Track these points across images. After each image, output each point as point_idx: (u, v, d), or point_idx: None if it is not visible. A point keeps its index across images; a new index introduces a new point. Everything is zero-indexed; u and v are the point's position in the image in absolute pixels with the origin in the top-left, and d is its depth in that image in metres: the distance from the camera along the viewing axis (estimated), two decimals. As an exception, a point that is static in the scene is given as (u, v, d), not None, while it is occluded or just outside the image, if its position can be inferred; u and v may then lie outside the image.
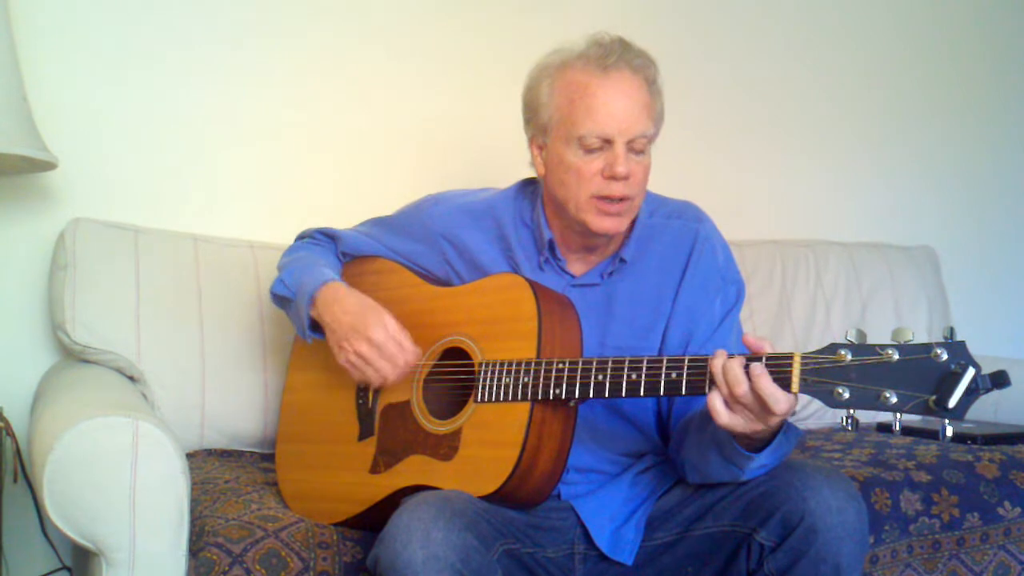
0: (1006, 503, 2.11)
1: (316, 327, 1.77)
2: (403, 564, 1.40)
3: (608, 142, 1.61)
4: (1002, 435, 2.36)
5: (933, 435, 2.36)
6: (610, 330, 1.71)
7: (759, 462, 1.51)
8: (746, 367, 1.40)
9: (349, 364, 1.70)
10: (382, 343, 1.66)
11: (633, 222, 1.73)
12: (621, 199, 1.63)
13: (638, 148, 1.63)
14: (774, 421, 1.41)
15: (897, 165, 3.21)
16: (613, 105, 1.61)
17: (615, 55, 1.62)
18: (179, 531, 1.61)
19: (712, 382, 1.43)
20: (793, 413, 1.44)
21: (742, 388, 1.39)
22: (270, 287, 1.84)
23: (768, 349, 1.41)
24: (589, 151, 1.62)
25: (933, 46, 3.25)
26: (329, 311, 1.72)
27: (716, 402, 1.42)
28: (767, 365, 1.39)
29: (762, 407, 1.39)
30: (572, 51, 1.66)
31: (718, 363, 1.42)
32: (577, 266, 1.74)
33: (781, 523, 1.50)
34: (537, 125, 1.70)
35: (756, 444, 1.48)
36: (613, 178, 1.61)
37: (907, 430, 2.42)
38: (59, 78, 2.30)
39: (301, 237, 1.97)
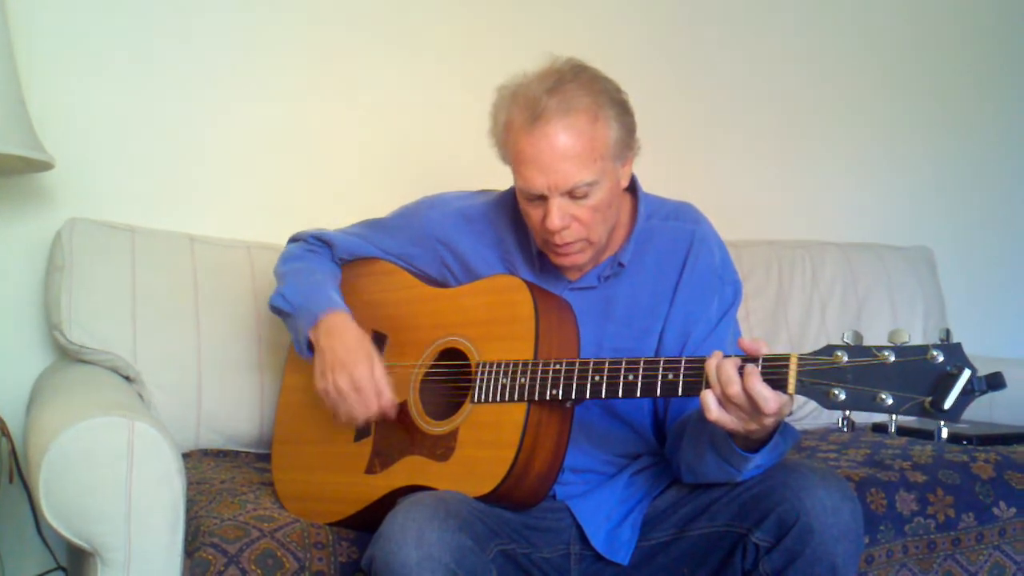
0: (1001, 503, 2.11)
1: (311, 346, 1.77)
2: (398, 564, 1.40)
3: (542, 196, 1.61)
4: (997, 435, 2.36)
5: (928, 435, 2.36)
6: (608, 332, 1.71)
7: (755, 462, 1.51)
8: (740, 368, 1.40)
9: (325, 393, 1.70)
10: (363, 385, 1.66)
11: (632, 224, 1.73)
12: (566, 244, 1.64)
13: (579, 195, 1.60)
14: (768, 421, 1.41)
15: (893, 165, 3.22)
16: (540, 162, 1.59)
17: (542, 103, 1.58)
18: (175, 531, 1.60)
19: (707, 381, 1.43)
20: (790, 413, 1.44)
21: (734, 388, 1.39)
22: (270, 299, 1.84)
23: (764, 350, 1.41)
24: (530, 200, 1.64)
25: (930, 48, 3.26)
26: (327, 338, 1.72)
27: (708, 399, 1.42)
28: (763, 366, 1.39)
29: (753, 407, 1.39)
30: (513, 92, 1.64)
31: (712, 362, 1.42)
32: (573, 271, 1.74)
33: (776, 523, 1.50)
34: (502, 156, 1.70)
35: (752, 444, 1.48)
36: (550, 231, 1.62)
37: (902, 430, 2.42)
38: (56, 78, 2.30)
39: (294, 240, 1.96)
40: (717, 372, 1.41)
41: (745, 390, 1.38)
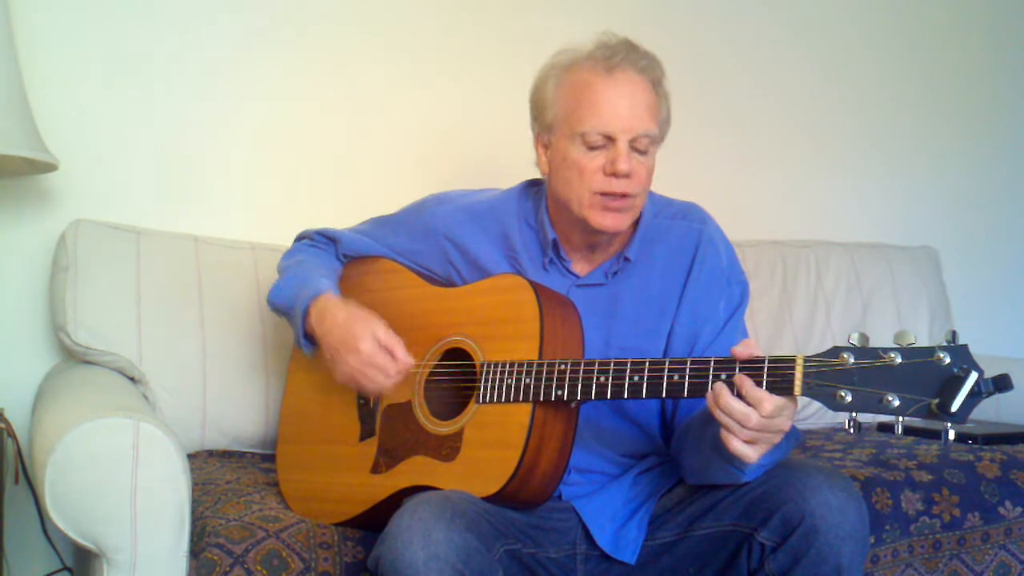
0: (1007, 503, 2.11)
1: (314, 340, 1.77)
2: (404, 564, 1.40)
3: (611, 139, 1.62)
4: (1003, 435, 2.36)
5: (934, 435, 2.36)
6: (614, 330, 1.71)
7: (760, 460, 1.51)
8: (736, 390, 1.40)
9: (345, 378, 1.70)
10: (370, 354, 1.65)
11: (637, 221, 1.73)
12: (623, 196, 1.63)
13: (641, 148, 1.63)
14: (786, 427, 1.42)
15: (898, 165, 3.21)
16: (617, 103, 1.62)
17: (620, 55, 1.63)
18: (180, 532, 1.61)
19: (723, 427, 1.41)
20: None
21: (753, 419, 1.39)
22: (267, 296, 1.84)
23: (755, 351, 1.42)
24: (592, 148, 1.63)
25: (934, 46, 3.25)
26: (321, 326, 1.71)
27: (740, 447, 1.41)
28: (768, 368, 1.39)
29: (774, 427, 1.40)
30: (579, 51, 1.67)
31: (716, 412, 1.41)
32: (581, 266, 1.74)
33: (782, 523, 1.50)
34: (543, 123, 1.71)
35: None
36: (615, 175, 1.62)
37: (908, 430, 2.42)
38: (60, 80, 2.30)
39: (300, 238, 1.97)
40: (730, 415, 1.40)
41: (764, 415, 1.38)
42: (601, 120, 1.62)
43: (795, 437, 1.54)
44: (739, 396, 1.40)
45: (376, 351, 1.65)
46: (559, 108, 1.67)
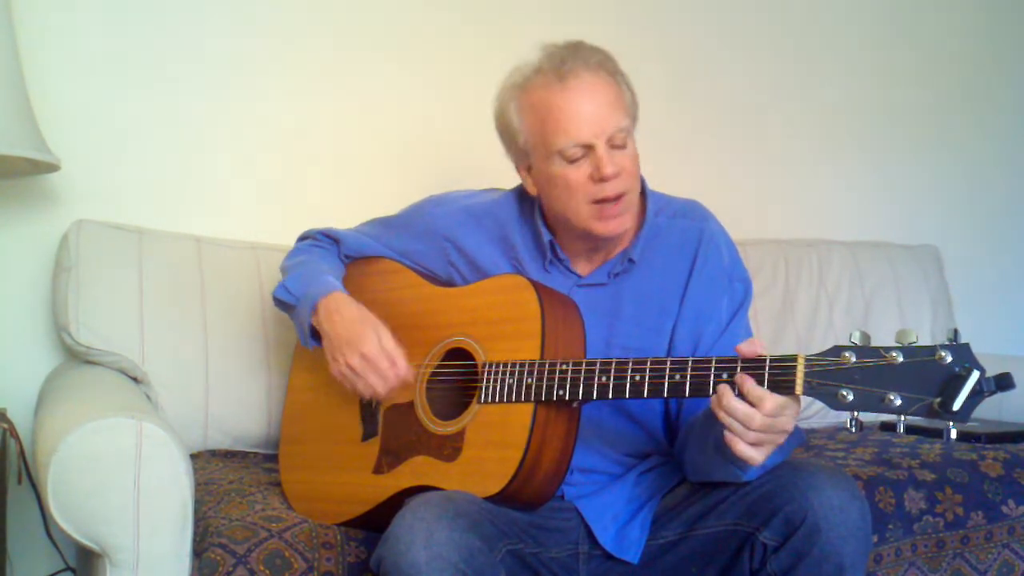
0: (1010, 501, 2.11)
1: (317, 335, 1.77)
2: (407, 564, 1.40)
3: (588, 147, 1.62)
4: (1006, 433, 2.36)
5: (937, 434, 2.34)
6: (617, 330, 1.71)
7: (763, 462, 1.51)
8: (739, 394, 1.40)
9: (341, 375, 1.71)
10: (374, 358, 1.66)
11: (641, 222, 1.73)
12: (618, 197, 1.63)
13: (618, 143, 1.63)
14: (790, 427, 1.42)
15: (900, 164, 3.21)
16: (582, 111, 1.61)
17: (568, 60, 1.62)
18: (183, 532, 1.61)
19: (727, 429, 1.41)
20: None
21: (756, 420, 1.38)
22: (273, 291, 1.85)
23: (760, 350, 1.41)
24: (573, 161, 1.63)
25: (935, 45, 3.26)
26: (329, 320, 1.72)
27: (744, 449, 1.40)
28: (769, 368, 1.39)
29: (778, 428, 1.40)
30: (528, 67, 1.66)
31: (721, 413, 1.40)
32: (583, 266, 1.74)
33: (784, 523, 1.50)
34: (518, 150, 1.71)
35: None
36: (603, 180, 1.62)
37: (911, 429, 2.42)
38: (62, 80, 2.30)
39: (303, 238, 1.97)
40: (734, 416, 1.39)
41: (766, 414, 1.38)
42: (571, 134, 1.61)
43: (798, 437, 1.53)
44: (740, 396, 1.40)
45: (380, 356, 1.66)
46: (528, 132, 1.67)
